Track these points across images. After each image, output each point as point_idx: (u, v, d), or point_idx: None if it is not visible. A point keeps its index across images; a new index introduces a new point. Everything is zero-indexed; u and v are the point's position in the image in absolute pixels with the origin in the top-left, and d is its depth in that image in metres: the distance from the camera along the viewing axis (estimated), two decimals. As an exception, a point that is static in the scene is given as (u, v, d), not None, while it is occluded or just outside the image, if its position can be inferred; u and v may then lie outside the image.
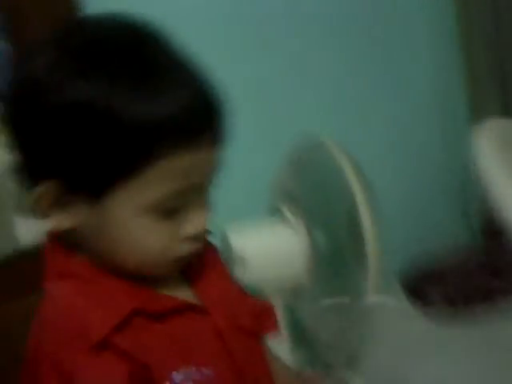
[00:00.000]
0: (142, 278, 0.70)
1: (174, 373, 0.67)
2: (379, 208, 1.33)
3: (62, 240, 0.71)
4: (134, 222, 0.67)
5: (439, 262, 1.97)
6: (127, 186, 0.65)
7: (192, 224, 0.69)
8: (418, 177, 1.97)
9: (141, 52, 0.65)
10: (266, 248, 1.37)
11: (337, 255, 1.38)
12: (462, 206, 1.83)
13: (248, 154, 1.57)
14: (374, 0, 1.83)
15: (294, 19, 1.71)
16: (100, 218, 0.67)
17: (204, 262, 0.79)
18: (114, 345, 0.65)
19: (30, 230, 1.37)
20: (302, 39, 1.72)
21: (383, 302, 1.56)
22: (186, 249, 0.71)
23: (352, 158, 1.33)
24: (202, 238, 0.72)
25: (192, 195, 0.69)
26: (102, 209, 0.66)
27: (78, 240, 0.70)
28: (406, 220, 1.94)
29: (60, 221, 0.68)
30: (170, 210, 0.67)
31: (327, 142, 1.35)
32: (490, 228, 1.70)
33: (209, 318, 0.74)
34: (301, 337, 1.52)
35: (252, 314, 0.83)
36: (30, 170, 0.69)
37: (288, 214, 1.40)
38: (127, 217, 0.66)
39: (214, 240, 0.87)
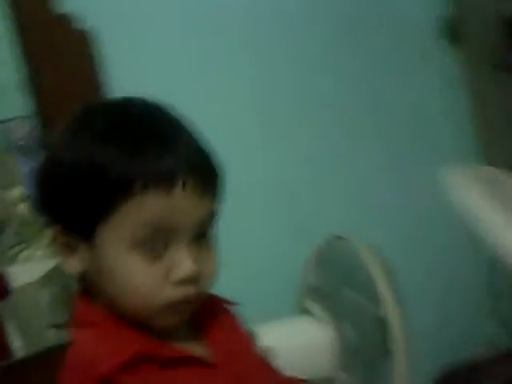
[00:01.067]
0: (152, 328, 0.77)
1: None
2: (404, 303, 1.36)
3: (86, 289, 0.81)
4: (120, 260, 0.74)
5: (473, 366, 1.96)
6: (109, 226, 0.73)
7: (179, 267, 0.74)
8: (446, 276, 1.98)
9: (127, 121, 0.77)
10: (294, 340, 1.42)
11: (365, 349, 1.40)
12: (492, 304, 1.83)
13: (272, 250, 1.62)
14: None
15: (317, 121, 1.81)
16: (97, 260, 0.75)
17: (219, 321, 0.85)
18: (119, 382, 0.70)
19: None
20: (322, 142, 1.82)
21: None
22: (176, 293, 0.75)
23: (377, 255, 1.38)
24: (194, 282, 0.75)
25: (175, 240, 0.74)
26: (96, 250, 0.75)
27: (92, 286, 0.78)
28: (438, 324, 1.94)
29: (70, 263, 0.77)
30: (153, 251, 0.74)
31: (352, 239, 1.41)
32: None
33: (218, 373, 0.79)
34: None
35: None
36: (45, 216, 0.80)
37: (315, 309, 1.44)
38: (114, 254, 0.74)
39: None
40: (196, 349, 0.80)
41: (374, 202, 1.87)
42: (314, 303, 1.46)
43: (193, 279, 0.75)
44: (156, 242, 0.74)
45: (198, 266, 0.76)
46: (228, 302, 0.89)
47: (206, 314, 0.83)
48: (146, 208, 0.72)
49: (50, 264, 1.96)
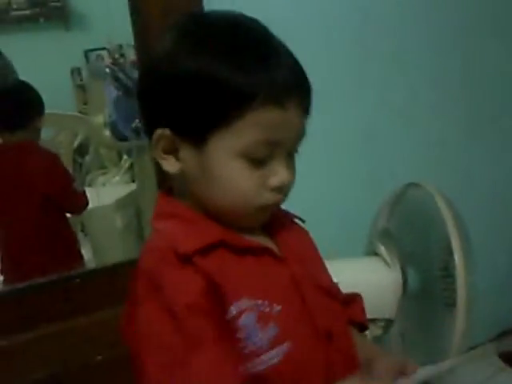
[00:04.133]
0: (232, 226, 0.82)
1: (243, 299, 0.77)
2: (474, 257, 1.36)
3: (171, 189, 0.87)
4: (228, 165, 0.79)
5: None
6: (223, 134, 0.77)
7: (276, 176, 0.81)
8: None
9: (243, 35, 0.80)
10: (359, 278, 1.43)
11: (426, 296, 1.41)
12: None
13: (349, 193, 1.65)
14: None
15: (404, 77, 1.80)
16: (201, 162, 0.80)
17: (290, 229, 0.91)
18: (196, 264, 0.76)
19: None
20: (411, 94, 1.81)
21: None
22: (270, 198, 0.81)
23: (451, 204, 1.37)
24: (283, 191, 0.83)
25: (278, 151, 0.80)
26: (203, 154, 0.79)
27: (183, 186, 0.83)
28: (503, 283, 1.94)
29: (171, 164, 0.82)
30: (258, 160, 0.79)
31: (428, 187, 1.41)
32: None
33: (286, 265, 0.85)
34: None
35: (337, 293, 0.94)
36: (150, 121, 0.83)
37: (384, 252, 1.46)
38: (223, 160, 0.78)
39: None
40: (267, 244, 0.86)
41: (453, 156, 1.87)
42: (383, 246, 1.47)
43: (284, 187, 0.83)
44: (262, 152, 0.79)
45: (291, 177, 0.82)
46: (298, 218, 0.95)
47: (278, 222, 0.89)
48: (263, 122, 0.77)
49: (125, 190, 2.04)
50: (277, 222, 0.89)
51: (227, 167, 0.79)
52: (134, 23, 1.47)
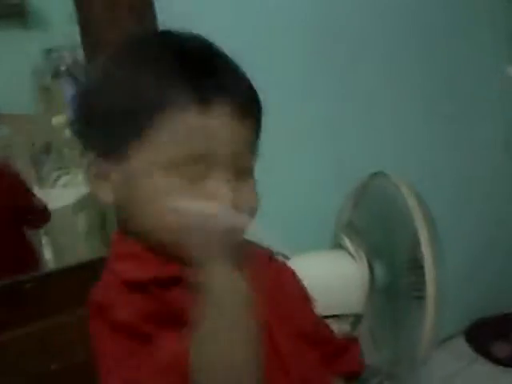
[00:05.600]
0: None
1: None
2: (442, 249, 1.33)
3: (121, 228, 0.79)
4: (152, 183, 0.70)
5: (503, 318, 1.95)
6: (141, 146, 0.70)
7: (215, 198, 0.69)
8: (486, 229, 1.96)
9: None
10: (325, 273, 1.39)
11: (394, 289, 1.39)
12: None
13: (314, 185, 1.62)
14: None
15: (365, 65, 1.78)
16: (129, 183, 0.72)
17: (268, 272, 0.83)
18: (151, 291, 0.70)
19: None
20: (374, 83, 1.79)
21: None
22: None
23: (418, 194, 1.34)
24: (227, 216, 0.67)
25: (214, 170, 0.71)
26: (129, 172, 0.72)
27: (126, 222, 0.76)
28: (471, 274, 1.93)
29: (103, 191, 0.75)
30: (189, 178, 0.70)
31: (393, 177, 1.38)
32: None
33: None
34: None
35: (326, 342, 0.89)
36: (83, 146, 0.77)
37: (350, 245, 1.43)
38: (146, 177, 0.70)
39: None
40: None
41: (417, 145, 1.86)
42: (348, 239, 1.43)
43: (229, 214, 0.69)
44: (190, 169, 0.70)
45: (235, 197, 0.71)
46: (282, 254, 0.91)
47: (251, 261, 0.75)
48: (181, 133, 0.69)
49: (87, 190, 1.99)
50: (249, 261, 0.77)
51: (151, 185, 0.70)
52: (79, 21, 1.43)
